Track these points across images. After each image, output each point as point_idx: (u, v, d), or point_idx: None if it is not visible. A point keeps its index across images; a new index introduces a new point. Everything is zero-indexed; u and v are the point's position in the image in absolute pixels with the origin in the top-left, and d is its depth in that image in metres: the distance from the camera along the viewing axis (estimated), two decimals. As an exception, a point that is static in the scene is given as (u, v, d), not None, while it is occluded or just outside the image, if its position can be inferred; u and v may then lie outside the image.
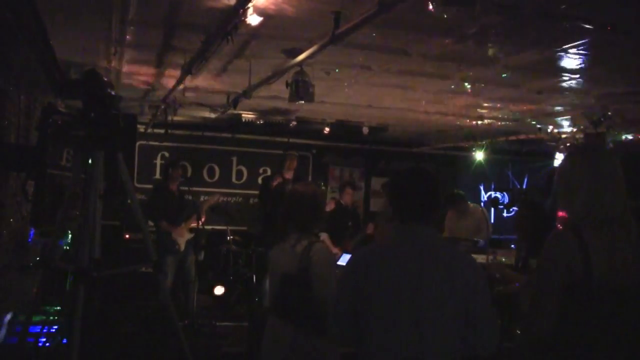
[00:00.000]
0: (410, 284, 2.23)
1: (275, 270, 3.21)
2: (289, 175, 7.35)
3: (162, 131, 8.56)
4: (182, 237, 6.97)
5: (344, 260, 5.72)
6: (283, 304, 3.12)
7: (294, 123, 8.13)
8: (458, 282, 2.21)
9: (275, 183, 7.16)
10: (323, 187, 10.09)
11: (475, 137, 8.49)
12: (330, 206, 7.32)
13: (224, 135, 9.72)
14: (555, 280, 2.23)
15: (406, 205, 2.37)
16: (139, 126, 8.20)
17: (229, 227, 8.12)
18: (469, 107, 6.82)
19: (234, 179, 9.95)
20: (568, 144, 7.47)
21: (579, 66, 4.60)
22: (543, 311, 2.26)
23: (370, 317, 2.28)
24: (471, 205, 7.57)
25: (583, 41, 3.90)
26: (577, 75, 4.92)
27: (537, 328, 2.29)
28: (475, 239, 6.94)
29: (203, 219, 7.07)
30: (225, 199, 9.52)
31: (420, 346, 2.18)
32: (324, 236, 6.59)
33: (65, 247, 6.59)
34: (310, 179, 10.04)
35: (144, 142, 9.18)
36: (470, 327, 2.23)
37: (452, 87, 5.58)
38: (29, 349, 3.83)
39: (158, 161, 9.46)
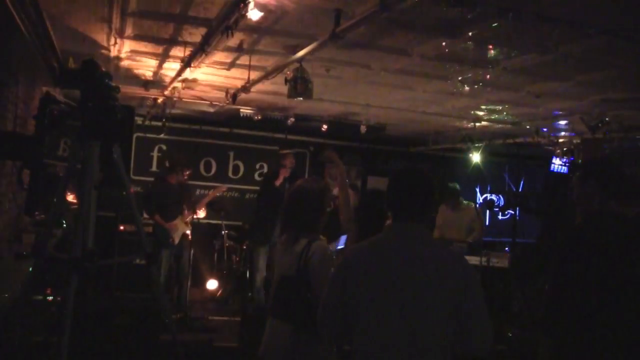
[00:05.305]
0: (398, 283, 2.21)
1: (275, 271, 3.10)
2: (286, 173, 7.33)
3: (160, 124, 8.53)
4: (177, 231, 6.96)
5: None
6: (282, 306, 2.99)
7: (292, 120, 8.13)
8: (448, 281, 2.20)
9: (278, 182, 7.12)
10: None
11: (472, 138, 8.49)
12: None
13: (222, 129, 9.70)
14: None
15: (399, 204, 2.37)
16: (136, 118, 8.18)
17: (224, 222, 8.12)
18: (467, 109, 6.83)
19: (230, 174, 9.95)
20: (565, 148, 7.48)
21: (578, 71, 4.61)
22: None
23: (360, 316, 2.26)
24: (464, 202, 7.48)
25: (582, 46, 3.91)
26: (576, 80, 4.93)
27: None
28: (470, 241, 6.92)
29: (203, 213, 7.03)
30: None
31: (411, 346, 2.16)
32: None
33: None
34: (306, 176, 10.02)
35: (141, 135, 9.15)
36: (463, 327, 2.20)
37: (451, 88, 5.59)
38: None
39: (155, 154, 9.43)
